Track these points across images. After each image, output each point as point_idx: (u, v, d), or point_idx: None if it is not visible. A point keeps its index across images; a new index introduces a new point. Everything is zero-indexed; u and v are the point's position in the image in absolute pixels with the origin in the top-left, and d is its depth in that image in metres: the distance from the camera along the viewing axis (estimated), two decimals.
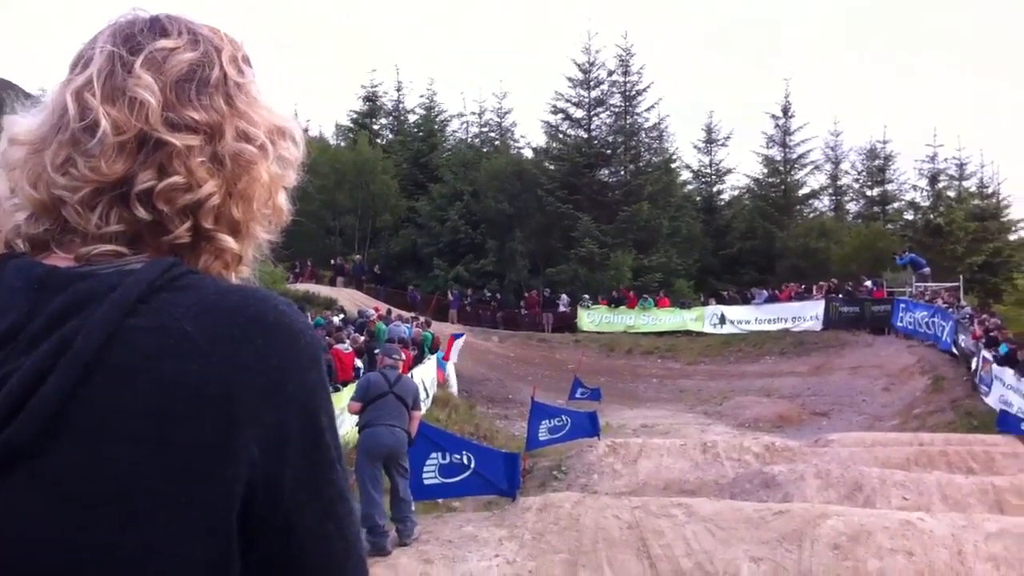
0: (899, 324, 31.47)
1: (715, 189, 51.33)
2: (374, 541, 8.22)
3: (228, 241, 1.09)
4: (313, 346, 1.04)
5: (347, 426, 10.55)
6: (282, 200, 1.16)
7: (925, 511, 9.45)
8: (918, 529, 7.94)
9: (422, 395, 18.77)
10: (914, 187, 48.19)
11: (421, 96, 54.22)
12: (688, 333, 36.63)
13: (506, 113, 53.03)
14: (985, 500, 11.36)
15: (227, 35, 1.16)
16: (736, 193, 51.70)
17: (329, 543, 1.04)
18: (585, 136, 46.90)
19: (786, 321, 35.11)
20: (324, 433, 1.03)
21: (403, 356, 10.41)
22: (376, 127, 54.23)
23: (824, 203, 51.49)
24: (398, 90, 54.35)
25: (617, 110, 47.17)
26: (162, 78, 1.05)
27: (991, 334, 24.36)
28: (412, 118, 54.65)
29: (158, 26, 1.10)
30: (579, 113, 47.20)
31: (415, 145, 51.05)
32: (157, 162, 1.02)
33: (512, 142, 52.36)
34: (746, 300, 37.95)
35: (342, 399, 11.19)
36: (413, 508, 8.95)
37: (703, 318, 36.99)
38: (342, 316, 24.07)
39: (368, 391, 9.23)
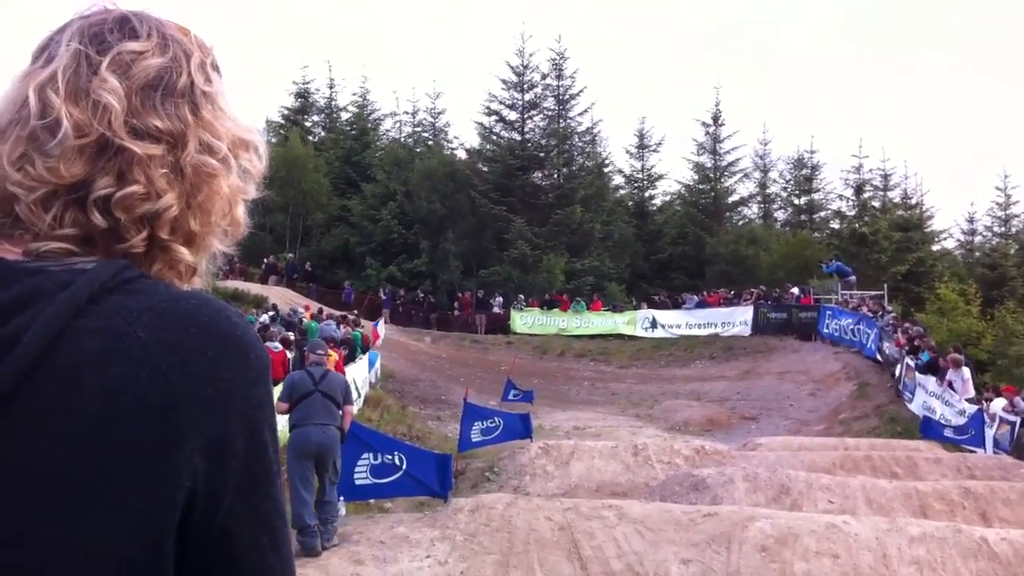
0: (825, 331, 32.06)
1: (647, 194, 51.87)
2: (304, 541, 8.11)
3: (183, 252, 1.07)
4: (262, 360, 1.03)
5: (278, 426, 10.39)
6: (240, 213, 1.14)
7: (850, 515, 9.59)
8: (843, 532, 8.06)
9: (353, 394, 18.72)
10: (840, 196, 49.17)
11: (354, 94, 54.00)
12: (620, 336, 36.91)
13: (439, 113, 53.08)
14: (908, 504, 11.58)
15: (198, 39, 1.13)
16: (667, 199, 52.36)
17: (263, 556, 1.02)
18: (518, 138, 47.03)
19: (716, 326, 35.59)
20: (267, 448, 1.02)
21: (329, 353, 10.27)
22: (308, 124, 53.72)
23: (753, 210, 52.45)
24: (330, 87, 53.96)
25: (551, 113, 47.41)
26: (128, 83, 1.02)
27: (914, 342, 24.92)
28: (344, 116, 54.32)
29: (128, 26, 1.06)
30: (513, 115, 47.37)
31: (347, 143, 50.68)
32: (117, 168, 1.00)
33: (446, 143, 52.42)
34: (677, 305, 38.38)
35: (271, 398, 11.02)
36: (339, 512, 8.83)
37: (635, 322, 37.31)
38: (272, 314, 23.76)
39: (294, 390, 9.13)
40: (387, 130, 54.43)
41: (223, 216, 1.10)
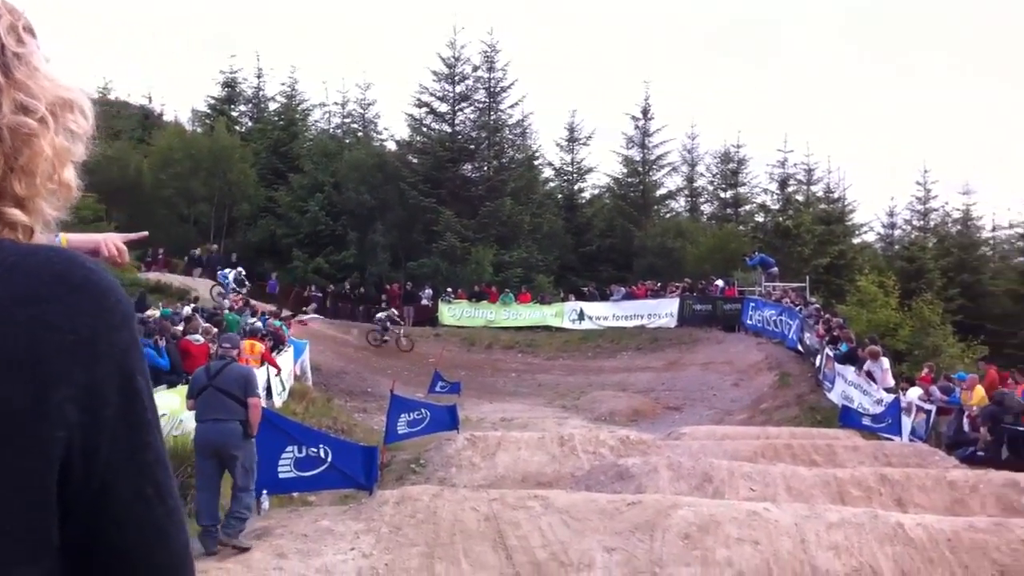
0: (748, 322, 32.59)
1: (576, 187, 52.03)
2: (202, 540, 7.92)
3: (16, 214, 1.03)
4: (123, 304, 1.01)
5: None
6: (69, 175, 1.11)
7: (771, 502, 9.74)
8: (764, 519, 8.18)
9: (276, 387, 18.49)
10: (765, 191, 49.96)
11: (282, 84, 53.11)
12: (547, 328, 37.04)
13: (369, 105, 52.64)
14: (827, 491, 11.82)
15: (6, 4, 1.09)
16: (596, 192, 52.59)
17: (150, 508, 1.00)
18: (449, 130, 46.87)
19: (642, 318, 35.93)
20: (141, 394, 1.00)
21: (238, 346, 10.05)
22: (235, 114, 52.83)
23: (680, 204, 52.90)
24: (258, 77, 53.11)
25: (481, 106, 47.28)
26: None
27: (834, 333, 25.43)
28: (272, 106, 53.54)
29: None
30: (443, 107, 47.15)
31: (275, 134, 49.93)
32: None
33: (375, 134, 52.01)
34: (604, 297, 38.65)
35: None
36: (251, 508, 8.60)
37: (562, 314, 37.47)
38: (194, 306, 23.36)
39: (192, 386, 8.98)
40: (316, 121, 53.84)
41: (49, 178, 1.07)
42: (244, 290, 30.35)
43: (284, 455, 9.89)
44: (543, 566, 7.40)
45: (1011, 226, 50.90)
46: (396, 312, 34.67)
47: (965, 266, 45.47)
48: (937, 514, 9.77)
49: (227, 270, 30.82)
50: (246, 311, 24.58)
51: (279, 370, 19.33)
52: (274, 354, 19.57)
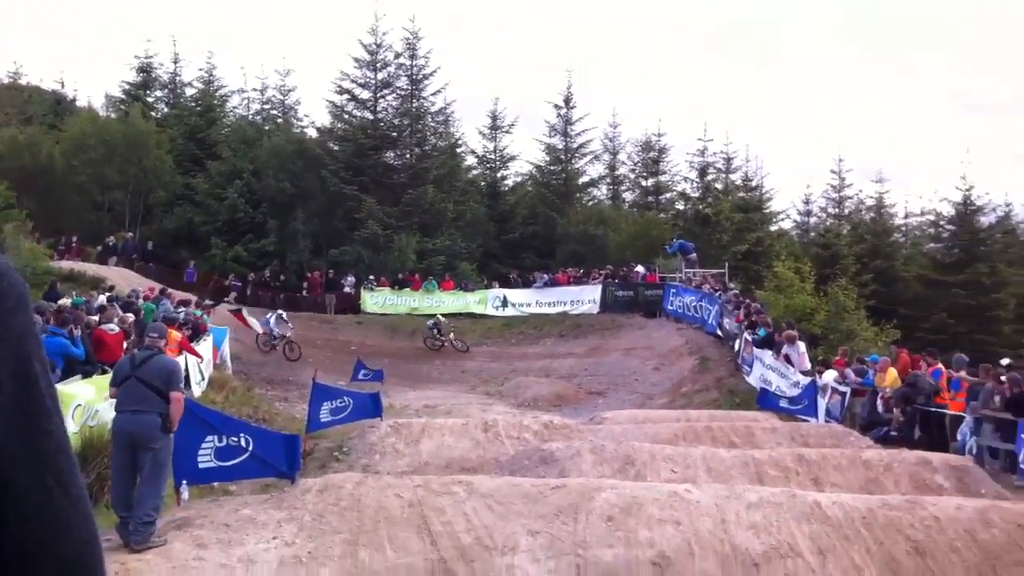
0: (669, 308, 33.04)
1: (499, 175, 52.01)
2: (119, 532, 7.75)
3: None
4: (17, 287, 0.96)
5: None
6: None
7: (692, 483, 9.90)
8: (685, 500, 8.30)
9: (196, 376, 18.16)
10: (685, 179, 50.54)
11: (200, 69, 52.08)
12: (471, 315, 37.10)
13: (289, 91, 51.98)
14: (746, 472, 12.04)
15: None
16: (519, 179, 52.63)
17: (51, 499, 0.95)
18: (371, 118, 46.49)
19: (565, 304, 36.20)
20: (38, 380, 0.95)
21: (165, 336, 9.82)
22: (150, 99, 51.63)
23: (602, 192, 53.27)
24: (175, 62, 51.96)
25: (403, 93, 46.97)
26: None
27: (752, 318, 25.89)
28: (189, 92, 52.42)
29: None
30: (365, 94, 46.73)
31: (192, 120, 48.88)
32: None
33: (295, 121, 51.35)
34: (527, 284, 38.82)
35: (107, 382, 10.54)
36: (156, 508, 8.17)
37: (486, 301, 37.57)
38: (109, 295, 22.81)
39: (116, 374, 8.77)
40: (234, 107, 52.98)
41: None
42: (290, 331, 30.52)
43: (204, 445, 9.72)
44: (468, 550, 7.41)
45: (922, 213, 52.42)
46: (443, 318, 34.37)
47: (878, 252, 46.59)
48: (852, 493, 10.02)
49: (269, 315, 31.01)
50: (163, 300, 24.07)
51: (201, 359, 19.03)
52: (194, 343, 19.24)
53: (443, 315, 35.39)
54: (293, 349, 30.15)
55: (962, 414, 16.78)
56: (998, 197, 51.29)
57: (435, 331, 33.02)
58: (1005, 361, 19.09)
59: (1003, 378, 16.02)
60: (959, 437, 16.60)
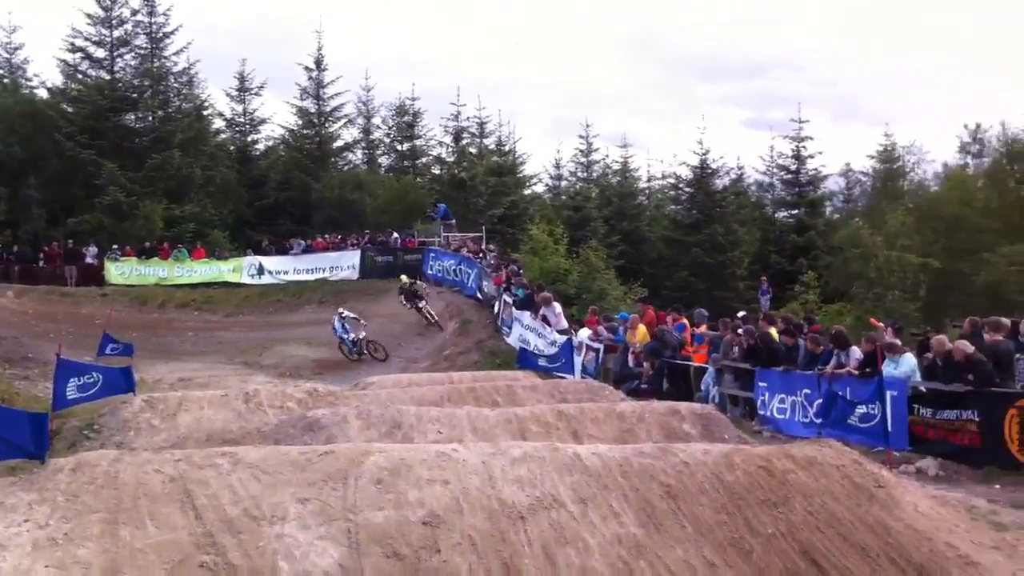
0: (429, 272, 33.33)
1: (250, 139, 50.49)
2: None
3: None
4: None
5: None
6: None
7: (458, 443, 10.07)
8: (452, 459, 8.43)
9: None
10: (440, 143, 50.88)
11: None
12: (226, 284, 36.08)
13: (16, 49, 48.11)
14: (510, 429, 12.38)
15: None
16: (271, 144, 51.19)
17: None
18: (108, 78, 43.95)
19: (324, 271, 35.83)
20: None
21: None
22: None
23: (358, 156, 52.69)
24: None
25: (143, 52, 44.69)
26: None
27: (511, 280, 26.54)
28: None
29: None
30: (100, 53, 44.13)
31: None
32: None
33: (24, 81, 47.68)
34: (284, 251, 38.08)
35: None
36: None
37: (241, 269, 36.64)
38: None
39: None
40: None
41: None
42: (364, 328, 27.02)
43: None
44: (235, 522, 7.24)
45: (663, 177, 55.18)
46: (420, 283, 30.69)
47: (625, 214, 48.74)
48: (609, 443, 10.50)
49: (334, 319, 26.93)
50: None
51: None
52: None
53: (195, 284, 34.25)
54: (378, 349, 26.48)
55: (705, 365, 17.95)
56: (731, 160, 54.87)
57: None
58: (741, 314, 20.54)
59: (740, 331, 17.24)
60: (703, 387, 17.77)
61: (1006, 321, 14.42)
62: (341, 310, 27.53)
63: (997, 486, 11.51)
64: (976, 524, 9.29)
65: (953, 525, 8.81)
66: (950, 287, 36.87)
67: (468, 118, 49.99)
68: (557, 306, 22.85)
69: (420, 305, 28.72)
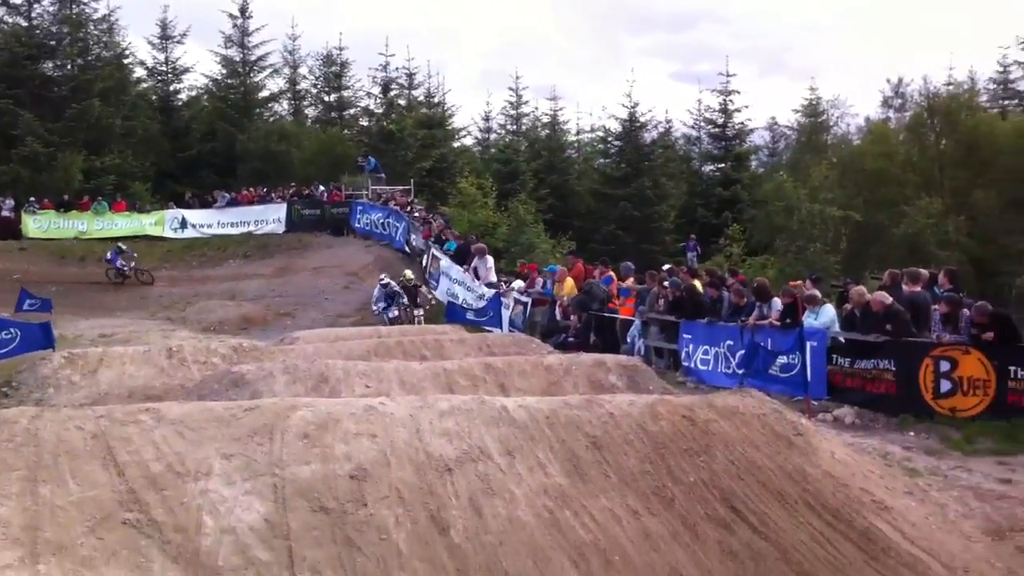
0: (357, 225, 33.08)
1: (172, 88, 49.26)
2: None
3: None
4: None
5: None
6: None
7: (386, 396, 10.07)
8: (380, 413, 8.42)
9: None
10: (368, 94, 50.19)
11: None
12: (148, 238, 35.40)
13: None
14: (437, 383, 12.42)
15: None
16: (195, 93, 50.03)
17: None
18: (25, 24, 42.53)
19: (249, 224, 35.35)
20: None
21: None
22: None
23: (284, 107, 51.82)
24: None
25: None
26: None
27: (441, 233, 26.48)
28: None
29: None
30: None
31: None
32: None
33: None
34: (207, 204, 37.47)
35: None
36: None
37: (163, 222, 36.05)
38: None
39: None
40: None
41: None
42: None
43: None
44: (159, 478, 7.16)
45: (592, 130, 55.22)
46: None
47: (554, 168, 48.68)
48: (536, 396, 10.59)
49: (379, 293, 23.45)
50: None
51: None
52: None
53: (116, 238, 33.52)
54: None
55: (631, 318, 18.15)
56: (660, 114, 55.06)
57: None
58: (666, 267, 20.75)
59: (666, 283, 17.45)
60: (628, 339, 17.98)
61: (924, 272, 14.82)
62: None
63: (911, 433, 11.90)
64: (890, 470, 9.62)
65: (868, 471, 9.09)
66: (870, 239, 37.58)
67: (397, 68, 49.36)
68: (490, 259, 22.91)
69: (417, 314, 22.78)
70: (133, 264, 30.88)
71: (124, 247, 31.26)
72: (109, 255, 30.95)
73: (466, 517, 7.42)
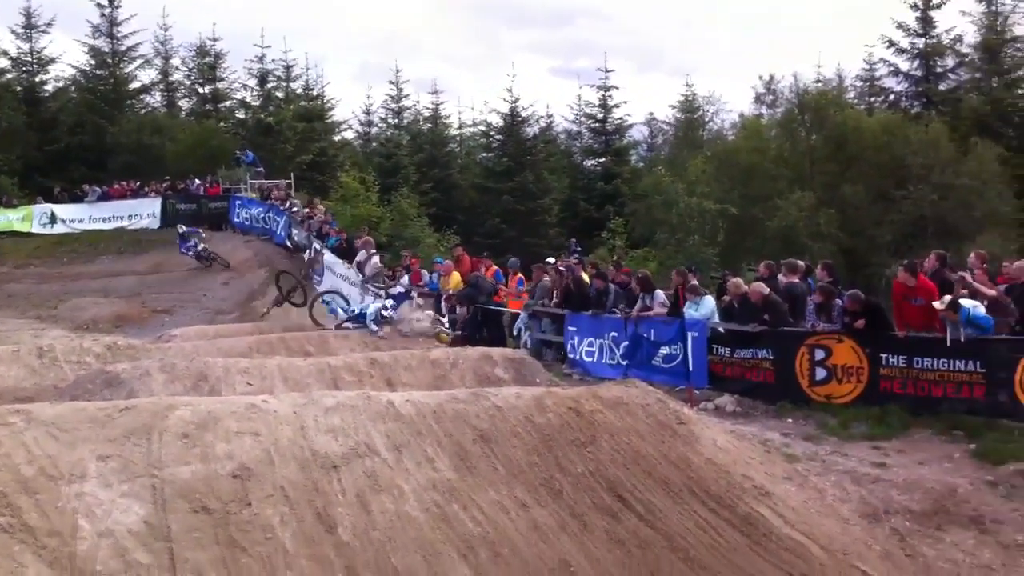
0: (236, 220, 32.37)
1: (38, 79, 47.32)
2: None
3: None
4: None
5: None
6: None
7: (269, 394, 9.90)
8: (263, 411, 8.27)
9: None
10: (245, 86, 49.10)
11: None
12: (15, 234, 34.11)
13: None
14: (322, 379, 12.27)
15: None
16: (62, 85, 48.18)
17: None
18: None
19: (122, 219, 34.36)
20: None
21: None
22: None
23: (156, 99, 50.35)
24: None
25: None
26: None
27: (321, 229, 26.16)
28: None
29: None
30: None
31: None
32: None
33: None
34: (78, 198, 36.28)
35: None
36: None
37: (31, 218, 34.90)
38: None
39: None
40: None
41: None
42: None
43: None
44: (31, 482, 6.88)
45: (474, 124, 55.18)
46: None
47: (437, 162, 48.47)
48: (423, 390, 10.56)
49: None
50: None
51: None
52: None
53: None
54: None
55: (518, 311, 18.25)
56: (541, 109, 55.37)
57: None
58: (550, 260, 20.91)
59: (561, 267, 17.62)
60: (515, 332, 18.08)
61: (801, 263, 15.27)
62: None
63: (789, 420, 12.27)
64: (770, 456, 9.89)
65: (749, 458, 9.34)
66: (746, 232, 38.52)
67: (273, 60, 48.34)
68: (376, 255, 22.71)
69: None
70: (204, 246, 29.09)
71: (183, 228, 29.64)
72: (180, 245, 29.25)
73: (353, 514, 7.34)
